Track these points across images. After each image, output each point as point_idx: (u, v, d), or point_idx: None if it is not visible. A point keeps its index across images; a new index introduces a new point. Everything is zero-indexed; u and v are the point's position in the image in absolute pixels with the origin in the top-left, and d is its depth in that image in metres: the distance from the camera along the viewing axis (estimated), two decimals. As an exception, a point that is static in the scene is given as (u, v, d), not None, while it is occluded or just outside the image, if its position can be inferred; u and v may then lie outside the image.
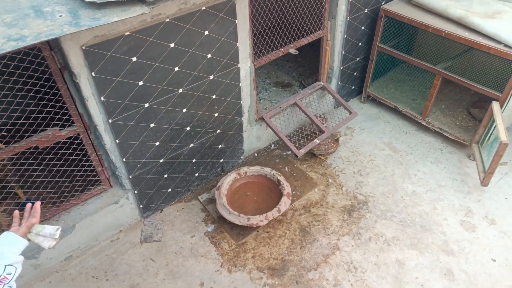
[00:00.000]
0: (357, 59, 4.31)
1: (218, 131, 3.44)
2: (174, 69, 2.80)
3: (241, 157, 3.90)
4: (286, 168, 3.89)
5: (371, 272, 3.03)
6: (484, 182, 3.46)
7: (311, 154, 4.02)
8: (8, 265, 1.56)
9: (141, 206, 3.31)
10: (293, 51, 3.67)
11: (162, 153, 3.14)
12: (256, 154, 4.05)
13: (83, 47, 2.29)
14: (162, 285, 2.98)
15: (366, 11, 3.94)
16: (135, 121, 2.81)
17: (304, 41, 3.75)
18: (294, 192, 3.64)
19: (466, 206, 3.49)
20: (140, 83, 2.67)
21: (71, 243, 3.06)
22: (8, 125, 2.51)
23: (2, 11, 2.00)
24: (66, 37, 2.22)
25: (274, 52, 3.58)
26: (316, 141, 3.79)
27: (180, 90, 2.93)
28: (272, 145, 4.15)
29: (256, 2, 3.36)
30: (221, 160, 3.70)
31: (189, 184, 3.58)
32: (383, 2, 4.03)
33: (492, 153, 3.34)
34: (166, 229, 3.36)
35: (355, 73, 4.45)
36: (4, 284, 1.53)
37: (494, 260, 3.08)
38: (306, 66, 5.08)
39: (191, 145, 3.31)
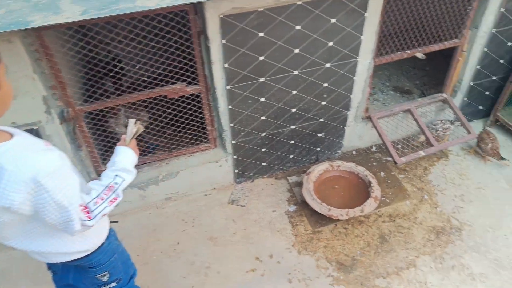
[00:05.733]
0: (493, 78, 3.90)
1: (321, 120, 3.52)
2: (294, 51, 2.95)
3: (338, 151, 3.92)
4: (382, 173, 3.78)
5: (446, 300, 2.83)
6: None
7: (413, 165, 3.83)
8: (117, 176, 1.77)
9: (236, 171, 3.60)
10: (420, 55, 3.51)
11: (265, 127, 3.35)
12: (354, 152, 4.02)
13: (221, 16, 2.58)
14: (236, 245, 3.24)
15: (517, 25, 3.53)
16: (249, 92, 3.06)
17: (436, 47, 3.53)
18: (383, 199, 3.54)
19: None
20: (261, 58, 2.89)
21: (173, 187, 3.50)
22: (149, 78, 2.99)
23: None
24: (209, 5, 2.52)
25: (399, 52, 3.47)
26: (422, 153, 3.60)
27: (295, 72, 3.08)
28: (374, 147, 4.06)
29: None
30: (318, 149, 3.78)
31: (283, 164, 3.75)
32: (544, 18, 3.55)
33: None
34: (252, 198, 3.61)
35: (487, 93, 4.03)
36: (112, 191, 1.73)
37: None
38: (433, 76, 4.76)
39: (293, 127, 3.46)
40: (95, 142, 3.13)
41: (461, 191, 3.60)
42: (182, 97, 3.07)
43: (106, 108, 2.95)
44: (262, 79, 3.02)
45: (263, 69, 2.96)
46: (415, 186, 3.66)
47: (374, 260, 3.10)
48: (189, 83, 3.01)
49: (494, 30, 3.46)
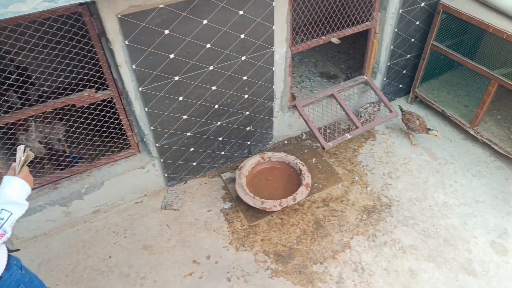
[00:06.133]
0: (408, 56, 4.07)
1: (247, 113, 3.48)
2: (206, 46, 2.87)
3: (270, 142, 3.91)
4: (313, 160, 3.83)
5: (379, 276, 2.91)
6: (527, 204, 3.13)
7: (343, 148, 3.92)
8: (3, 210, 1.66)
9: (166, 174, 3.48)
10: (335, 40, 3.57)
11: (189, 126, 3.26)
12: (285, 142, 4.03)
13: (119, 16, 2.45)
14: (172, 251, 3.13)
15: (422, 4, 3.69)
16: (165, 92, 2.94)
17: (349, 31, 3.61)
18: (316, 184, 3.58)
19: (502, 227, 3.19)
20: (171, 56, 2.79)
21: (100, 199, 3.32)
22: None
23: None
24: (104, 5, 2.38)
25: (314, 39, 3.50)
26: (348, 135, 3.68)
27: (211, 68, 3.01)
28: (304, 135, 4.10)
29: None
30: (249, 143, 3.74)
31: (215, 161, 3.68)
32: (445, -3, 3.74)
33: (542, 173, 3.00)
34: (186, 200, 3.51)
35: (404, 71, 4.20)
36: None
37: (521, 289, 2.80)
38: (357, 59, 4.90)
39: (219, 123, 3.39)
40: (2, 162, 2.88)
41: (388, 169, 3.72)
42: (93, 104, 2.90)
43: (7, 123, 2.71)
44: (176, 78, 2.92)
45: (176, 67, 2.86)
46: (345, 169, 3.74)
47: (310, 247, 3.13)
48: (98, 88, 2.84)
49: (401, 11, 3.59)
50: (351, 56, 5.02)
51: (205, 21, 2.74)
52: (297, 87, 4.52)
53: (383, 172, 3.70)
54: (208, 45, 2.88)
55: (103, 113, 3.00)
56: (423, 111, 4.26)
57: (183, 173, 3.58)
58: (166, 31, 2.65)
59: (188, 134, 3.31)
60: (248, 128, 3.61)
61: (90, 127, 3.12)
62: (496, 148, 3.66)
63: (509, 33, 3.20)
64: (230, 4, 2.75)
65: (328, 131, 4.03)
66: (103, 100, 2.89)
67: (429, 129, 3.82)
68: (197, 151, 3.48)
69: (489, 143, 3.72)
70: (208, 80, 3.07)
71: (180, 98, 3.05)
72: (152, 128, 3.09)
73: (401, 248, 3.09)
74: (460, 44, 3.90)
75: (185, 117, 3.18)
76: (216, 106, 3.27)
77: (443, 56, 3.89)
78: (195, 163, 3.57)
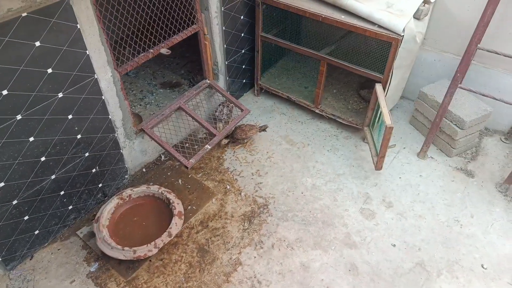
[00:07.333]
0: (243, 51, 4.04)
1: (86, 154, 2.94)
2: (2, 93, 2.24)
3: (126, 176, 3.44)
4: (180, 181, 3.52)
5: (275, 283, 2.83)
6: (378, 166, 3.45)
7: (207, 159, 3.71)
8: None
9: (0, 259, 2.71)
10: (164, 51, 3.26)
11: (12, 194, 2.56)
12: (144, 170, 3.61)
13: None
14: None
15: (242, -1, 3.66)
16: (-41, 164, 2.21)
17: (178, 38, 3.34)
18: (189, 207, 3.30)
19: (364, 193, 3.46)
20: (-47, 117, 2.08)
21: None
22: None
23: None
24: None
25: (142, 54, 3.13)
26: (208, 146, 3.47)
27: (18, 117, 2.38)
28: (163, 156, 3.74)
29: (106, 2, 2.86)
30: (100, 185, 3.20)
31: (64, 220, 3.04)
32: (261, -12, 3.78)
33: (382, 136, 3.32)
34: (38, 279, 2.81)
35: (244, 66, 4.18)
36: None
37: (394, 245, 3.07)
38: (195, 62, 4.69)
39: (53, 176, 2.77)
40: None
41: (255, 167, 3.67)
42: None
43: None
44: (-29, 142, 2.21)
45: (-35, 129, 2.16)
46: (215, 180, 3.55)
47: (201, 278, 2.85)
48: None
49: (223, 8, 3.48)
50: (188, 59, 4.79)
51: (-11, 63, 2.11)
52: (140, 105, 4.10)
53: (252, 172, 3.63)
54: (4, 92, 2.24)
55: None
56: (270, 100, 4.34)
57: (24, 248, 2.85)
58: None
59: (15, 202, 2.61)
60: (94, 170, 3.07)
61: None
62: (340, 120, 3.96)
63: (323, 16, 3.39)
64: (17, 36, 2.16)
65: (187, 145, 3.76)
66: None
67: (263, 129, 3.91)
68: (34, 217, 2.79)
69: (333, 117, 3.99)
70: (20, 133, 2.43)
71: (-13, 165, 2.34)
72: (-45, 213, 2.32)
73: (288, 245, 3.07)
74: (285, 31, 4.04)
75: (2, 184, 2.48)
76: (43, 159, 2.65)
77: (274, 44, 3.98)
78: (37, 232, 2.87)
